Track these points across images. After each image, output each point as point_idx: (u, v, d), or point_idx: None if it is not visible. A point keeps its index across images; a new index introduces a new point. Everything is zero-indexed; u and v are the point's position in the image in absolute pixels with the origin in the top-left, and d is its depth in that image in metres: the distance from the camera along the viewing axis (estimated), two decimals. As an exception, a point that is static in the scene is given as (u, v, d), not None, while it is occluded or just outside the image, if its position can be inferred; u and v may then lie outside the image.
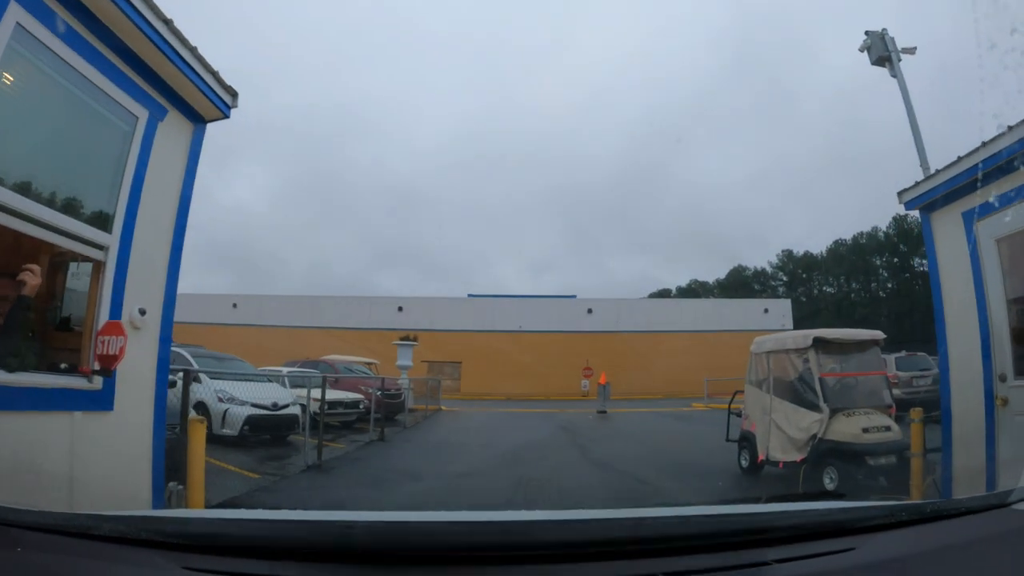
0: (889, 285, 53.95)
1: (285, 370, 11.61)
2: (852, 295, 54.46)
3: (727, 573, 1.22)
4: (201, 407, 8.49)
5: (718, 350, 28.78)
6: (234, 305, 32.82)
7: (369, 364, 18.10)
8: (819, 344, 6.82)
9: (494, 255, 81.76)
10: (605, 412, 18.49)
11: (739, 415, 8.31)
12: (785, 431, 7.01)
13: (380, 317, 31.33)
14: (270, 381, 9.48)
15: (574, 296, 36.73)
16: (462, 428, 13.57)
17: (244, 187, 74.42)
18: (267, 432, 8.39)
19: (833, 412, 6.54)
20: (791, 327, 31.97)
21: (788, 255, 60.99)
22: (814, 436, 6.62)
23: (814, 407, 6.68)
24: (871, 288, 55.40)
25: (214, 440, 8.14)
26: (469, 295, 37.38)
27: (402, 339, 19.88)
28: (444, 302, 34.41)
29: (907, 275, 52.02)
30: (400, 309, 32.79)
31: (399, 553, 1.25)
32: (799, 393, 6.97)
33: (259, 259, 68.80)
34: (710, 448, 9.59)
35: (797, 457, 6.78)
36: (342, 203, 77.77)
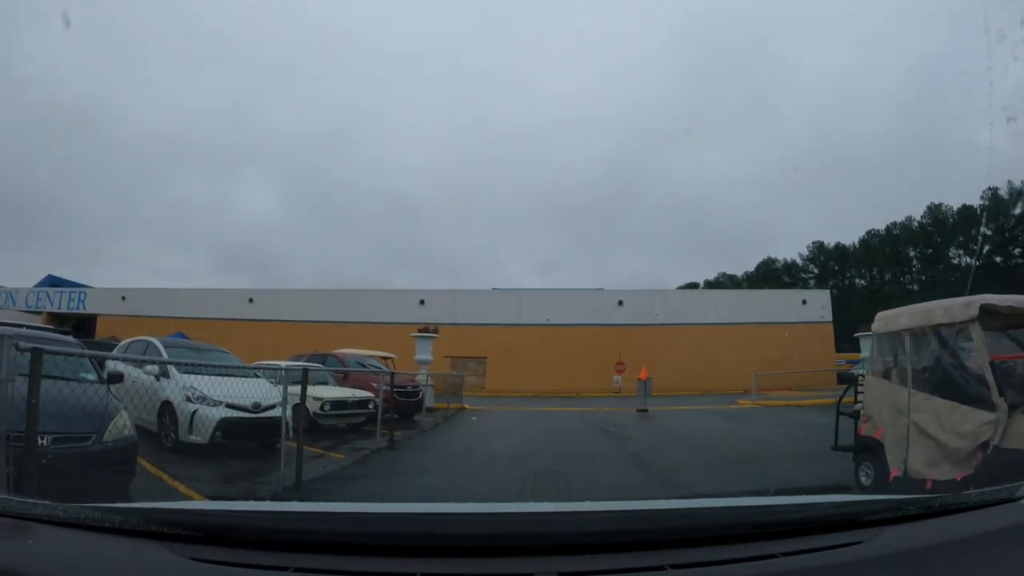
0: (923, 277, 51.63)
1: (284, 364, 9.95)
2: (885, 287, 52.20)
3: (733, 566, 1.18)
4: (167, 408, 6.92)
5: (757, 343, 27.62)
6: (250, 300, 31.69)
7: (385, 359, 16.59)
8: (986, 315, 4.87)
9: (511, 257, 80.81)
10: (647, 411, 16.56)
11: (852, 415, 6.39)
12: (935, 437, 5.08)
13: (401, 311, 29.94)
14: (257, 376, 7.84)
15: (601, 289, 34.85)
16: (489, 432, 11.74)
17: (258, 194, 74.84)
18: (245, 439, 6.73)
19: (1011, 409, 4.64)
20: (830, 319, 30.30)
21: (819, 247, 58.47)
22: (986, 444, 4.70)
23: (983, 403, 4.75)
24: (903, 280, 53.21)
25: (179, 449, 6.56)
26: (494, 288, 35.72)
27: (421, 331, 18.23)
28: (468, 295, 32.80)
29: (942, 266, 49.75)
30: (422, 302, 31.29)
31: (412, 544, 1.23)
32: (957, 384, 5.04)
33: (275, 263, 68.97)
34: (799, 457, 7.80)
35: (956, 474, 4.86)
36: (360, 212, 77.67)
